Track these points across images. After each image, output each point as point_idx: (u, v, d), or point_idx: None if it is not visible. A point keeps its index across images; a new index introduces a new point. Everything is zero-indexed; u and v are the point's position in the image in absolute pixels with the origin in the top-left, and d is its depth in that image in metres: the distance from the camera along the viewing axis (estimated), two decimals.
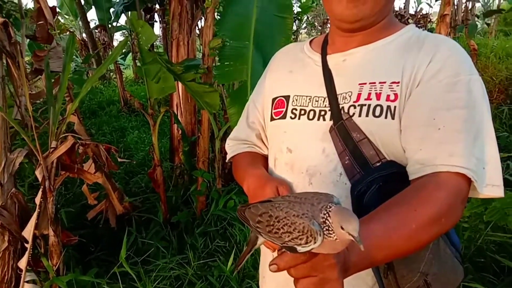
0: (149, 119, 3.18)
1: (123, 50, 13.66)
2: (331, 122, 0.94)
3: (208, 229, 3.12)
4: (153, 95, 3.07)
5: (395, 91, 0.89)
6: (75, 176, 2.32)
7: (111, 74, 11.04)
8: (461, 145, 0.82)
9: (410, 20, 12.29)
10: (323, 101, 0.98)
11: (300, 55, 1.10)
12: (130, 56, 13.73)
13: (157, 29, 11.25)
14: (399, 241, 0.76)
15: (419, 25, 12.01)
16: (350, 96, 0.93)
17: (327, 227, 0.62)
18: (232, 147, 1.23)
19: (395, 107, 0.88)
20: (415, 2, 14.85)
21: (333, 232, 0.61)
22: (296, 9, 13.38)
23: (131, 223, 3.24)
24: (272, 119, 1.09)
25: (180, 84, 3.60)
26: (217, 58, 2.80)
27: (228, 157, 1.24)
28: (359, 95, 0.92)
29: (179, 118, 3.84)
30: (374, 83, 0.91)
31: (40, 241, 2.09)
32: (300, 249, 0.64)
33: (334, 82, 0.98)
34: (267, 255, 1.11)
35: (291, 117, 1.03)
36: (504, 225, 2.31)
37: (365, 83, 0.92)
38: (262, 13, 2.56)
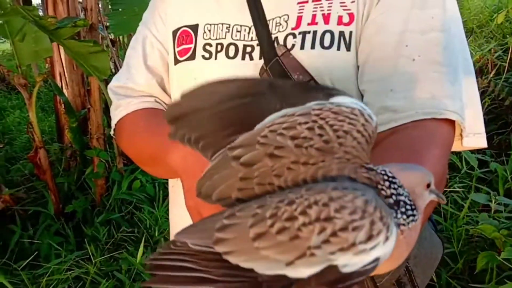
0: (23, 92, 2.59)
1: None
2: (261, 62, 0.69)
3: (111, 217, 2.71)
4: (24, 61, 2.49)
5: (349, 9, 0.66)
6: None
7: None
8: (444, 81, 0.62)
9: None
10: (248, 32, 0.72)
11: None
12: None
13: None
14: None
15: None
16: (286, 22, 0.69)
17: (404, 206, 0.33)
18: (120, 102, 0.81)
19: (350, 32, 0.66)
20: None
21: (416, 210, 0.34)
22: None
23: (15, 219, 2.70)
24: (176, 61, 0.76)
25: (62, 49, 3.01)
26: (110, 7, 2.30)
27: (115, 118, 0.82)
28: (299, 19, 0.68)
29: (65, 91, 3.25)
30: (320, 0, 0.68)
31: None
32: (349, 262, 0.31)
33: (262, 2, 0.69)
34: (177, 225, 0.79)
35: (203, 57, 0.74)
36: None
37: (306, 1, 0.69)
38: None
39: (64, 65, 3.32)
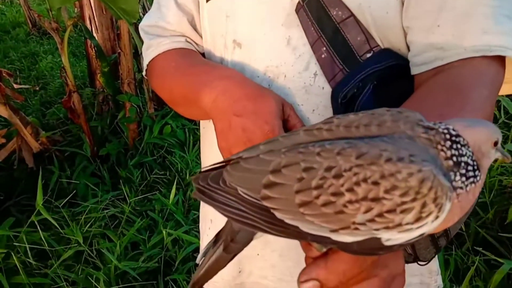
0: (55, 36, 2.62)
1: None
2: None
3: (144, 160, 2.79)
4: (55, 5, 2.49)
5: None
6: None
7: None
8: (498, 16, 0.56)
9: None
10: None
11: None
12: None
13: None
14: None
15: None
16: None
17: (465, 167, 0.31)
18: (151, 42, 0.80)
19: None
20: None
21: (478, 170, 0.32)
22: None
23: (53, 160, 2.81)
24: None
25: None
26: None
27: (147, 58, 0.80)
28: None
29: (95, 35, 3.25)
30: None
31: None
32: (392, 237, 0.32)
33: None
34: None
35: None
36: None
37: None
38: None
39: (93, 8, 3.30)
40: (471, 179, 0.33)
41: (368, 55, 0.63)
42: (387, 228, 0.31)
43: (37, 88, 3.77)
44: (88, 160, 2.86)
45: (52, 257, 1.93)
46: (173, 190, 2.29)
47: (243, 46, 0.69)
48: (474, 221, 1.81)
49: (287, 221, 0.35)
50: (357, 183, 0.31)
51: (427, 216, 0.31)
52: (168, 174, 2.70)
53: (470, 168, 0.33)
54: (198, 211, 2.25)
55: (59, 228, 1.96)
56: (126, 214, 2.28)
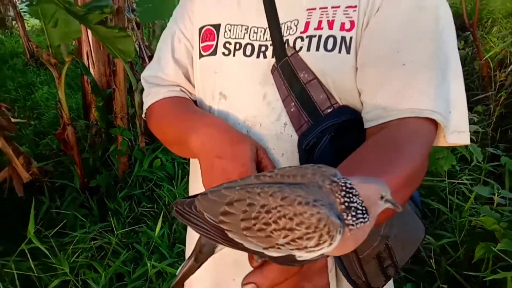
0: (53, 71, 2.75)
1: None
2: (273, 60, 0.78)
3: (132, 192, 2.87)
4: (55, 42, 2.63)
5: (351, 17, 0.73)
6: None
7: (13, 22, 9.77)
8: (430, 84, 0.69)
9: None
10: (263, 33, 0.80)
11: None
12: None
13: None
14: None
15: None
16: (296, 26, 0.77)
17: (355, 211, 0.44)
18: (151, 90, 0.93)
19: (351, 38, 0.73)
20: None
21: (366, 213, 0.45)
22: None
23: (43, 191, 2.87)
24: (200, 55, 0.87)
25: (89, 30, 3.13)
26: None
27: (146, 104, 0.93)
28: (307, 24, 0.76)
29: (91, 70, 3.39)
30: (326, 8, 0.75)
31: None
32: (302, 255, 0.45)
33: (276, 8, 0.78)
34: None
35: (223, 53, 0.83)
36: (434, 169, 2.33)
37: (314, 9, 0.76)
38: None
39: (91, 45, 3.45)
40: (361, 219, 0.44)
41: (329, 110, 0.75)
42: (298, 249, 0.44)
43: (32, 122, 3.85)
44: (77, 192, 2.92)
45: (39, 287, 1.96)
46: (159, 223, 2.32)
47: (227, 98, 0.82)
48: (445, 260, 1.90)
49: (235, 239, 0.48)
50: (279, 218, 0.44)
51: (323, 243, 0.43)
52: (155, 207, 2.76)
53: (359, 211, 0.44)
54: (183, 244, 2.31)
55: (50, 257, 2.00)
56: (112, 245, 2.31)
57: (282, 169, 0.50)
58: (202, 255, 0.56)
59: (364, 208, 0.44)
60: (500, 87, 3.33)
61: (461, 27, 3.96)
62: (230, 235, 0.48)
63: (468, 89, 3.94)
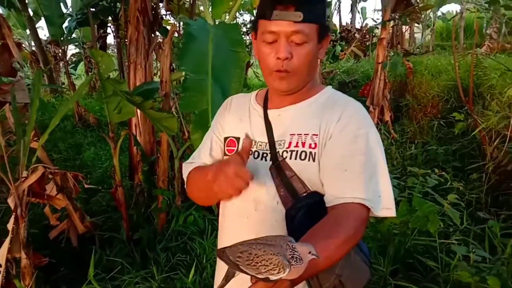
0: (110, 142, 3.34)
1: (74, 59, 13.35)
2: (270, 162, 1.19)
3: (169, 244, 3.27)
4: (113, 120, 3.24)
5: (315, 141, 1.16)
6: (45, 202, 2.45)
7: (64, 88, 10.82)
8: (361, 182, 1.09)
9: (356, 35, 13.01)
10: (265, 146, 1.22)
11: (247, 105, 1.33)
12: (81, 65, 13.31)
13: (111, 39, 11.33)
14: (326, 258, 0.97)
15: (364, 39, 12.75)
16: (283, 143, 1.19)
17: (295, 258, 0.83)
18: (189, 167, 1.37)
19: (315, 153, 1.15)
20: (360, 18, 15.71)
21: (301, 260, 0.83)
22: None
23: (93, 241, 3.35)
24: (225, 154, 1.33)
25: None
26: (174, 84, 3.02)
27: (185, 173, 1.37)
28: (290, 143, 1.18)
29: (138, 138, 4.00)
30: (301, 134, 1.18)
31: (12, 264, 2.22)
32: (272, 277, 0.83)
33: (273, 131, 1.23)
34: (220, 269, 1.35)
35: None
36: (427, 230, 2.70)
37: (294, 134, 1.19)
38: (218, 49, 2.83)
39: (139, 117, 4.10)
40: (299, 263, 0.84)
41: (304, 194, 1.14)
42: (271, 274, 0.81)
43: (86, 183, 4.42)
44: (123, 243, 3.38)
45: None
46: (192, 272, 2.73)
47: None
48: None
49: (243, 269, 0.86)
50: (261, 260, 0.82)
51: (278, 273, 0.81)
52: (188, 258, 3.12)
53: (298, 258, 0.84)
54: None
55: None
56: None
57: (265, 236, 0.92)
58: (229, 277, 0.96)
59: (300, 257, 0.82)
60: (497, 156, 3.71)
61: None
62: (241, 267, 0.87)
63: (470, 157, 4.31)
